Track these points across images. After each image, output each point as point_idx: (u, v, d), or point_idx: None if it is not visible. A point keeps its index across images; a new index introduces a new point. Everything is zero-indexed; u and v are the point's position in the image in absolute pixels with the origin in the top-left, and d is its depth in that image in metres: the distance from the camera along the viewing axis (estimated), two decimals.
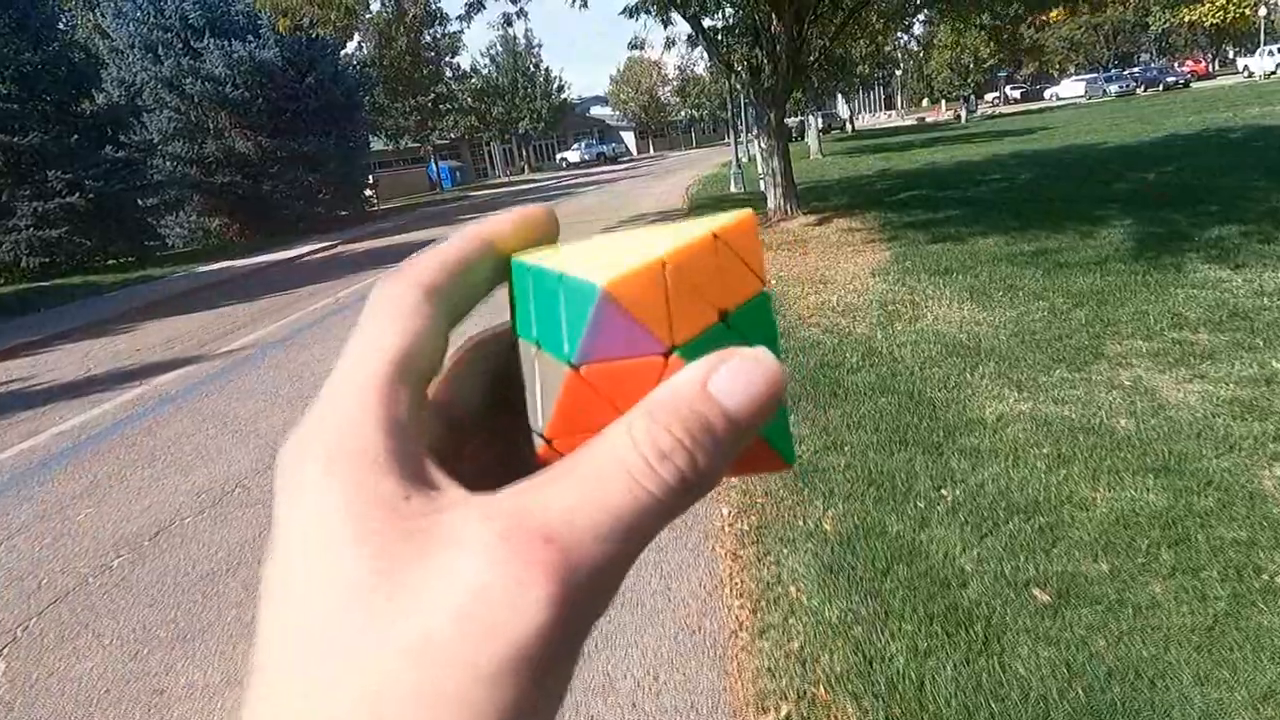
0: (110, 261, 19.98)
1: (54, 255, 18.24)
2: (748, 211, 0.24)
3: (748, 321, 0.23)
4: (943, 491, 3.11)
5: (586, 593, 0.18)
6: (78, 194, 17.75)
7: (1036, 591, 2.43)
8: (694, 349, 0.21)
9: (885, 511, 2.99)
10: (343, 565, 0.18)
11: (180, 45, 22.07)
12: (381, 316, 0.22)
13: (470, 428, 0.25)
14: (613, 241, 0.24)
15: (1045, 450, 3.39)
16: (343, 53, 29.39)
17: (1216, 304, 5.30)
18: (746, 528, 3.09)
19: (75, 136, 18.11)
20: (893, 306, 6.17)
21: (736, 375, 0.20)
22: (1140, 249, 7.23)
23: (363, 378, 0.21)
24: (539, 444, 0.23)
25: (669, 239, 0.22)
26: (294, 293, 11.90)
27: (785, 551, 2.85)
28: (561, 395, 0.21)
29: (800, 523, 3.03)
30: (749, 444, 0.21)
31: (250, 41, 22.30)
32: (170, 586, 3.29)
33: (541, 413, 0.22)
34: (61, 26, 20.90)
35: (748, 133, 23.74)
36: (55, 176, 17.65)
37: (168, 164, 21.99)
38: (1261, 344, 4.48)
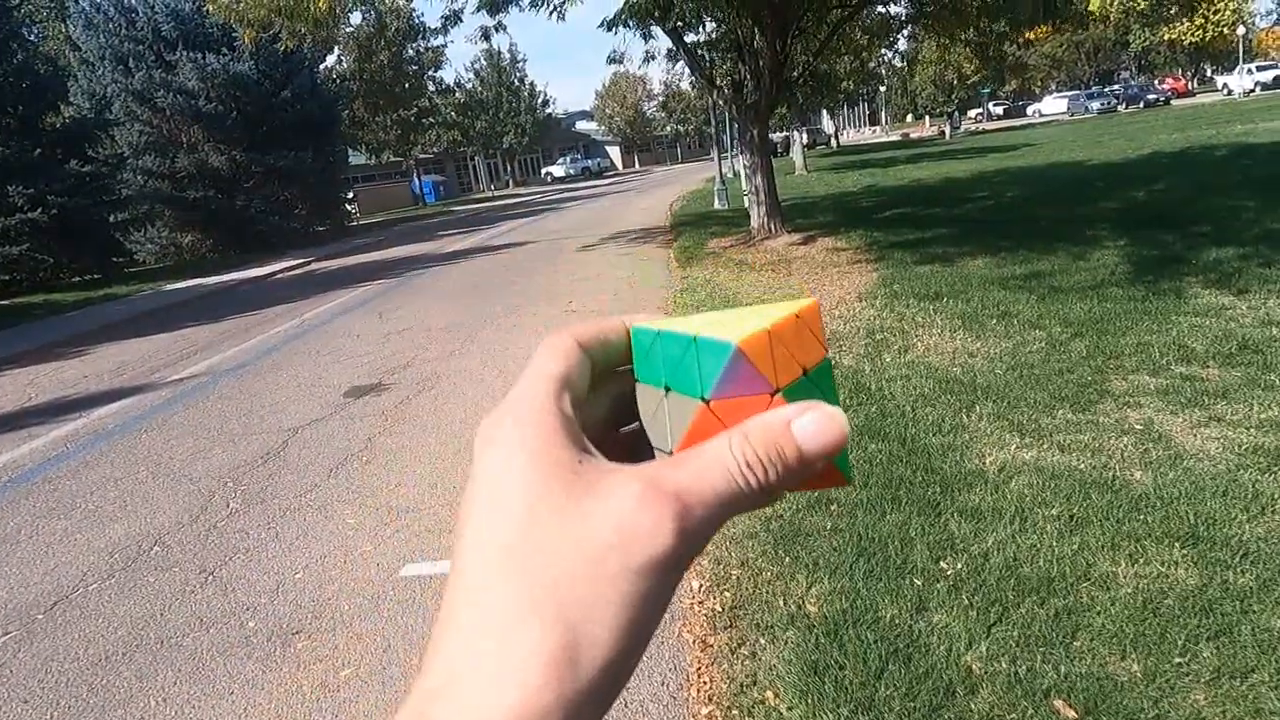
0: (75, 279, 19.41)
1: (14, 272, 17.65)
2: (814, 300, 0.31)
3: (820, 377, 0.30)
4: (943, 564, 2.73)
5: (694, 533, 0.26)
6: (40, 209, 17.18)
7: (1059, 704, 2.04)
8: (789, 393, 0.29)
9: (877, 590, 2.60)
10: (533, 492, 0.27)
11: (152, 57, 21.56)
12: (550, 353, 0.31)
13: (592, 437, 0.32)
14: (717, 316, 0.32)
15: (1055, 511, 3.01)
16: (321, 66, 29.00)
17: (1223, 335, 4.97)
18: (719, 607, 2.69)
19: (39, 151, 17.57)
20: (881, 335, 5.81)
21: (814, 422, 0.28)
22: (1136, 272, 6.93)
23: (541, 383, 0.30)
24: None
25: (764, 316, 0.30)
26: (261, 313, 11.43)
27: (763, 641, 2.45)
28: (693, 422, 0.29)
29: (780, 602, 2.64)
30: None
31: (224, 54, 21.82)
32: (54, 676, 2.84)
33: (672, 437, 0.31)
34: (31, 38, 20.42)
35: (732, 149, 23.49)
36: (17, 191, 17.08)
37: (138, 178, 21.41)
38: (1277, 380, 4.14)
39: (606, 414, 0.35)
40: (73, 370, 8.86)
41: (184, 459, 5.12)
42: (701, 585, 2.85)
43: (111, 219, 19.82)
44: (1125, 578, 2.55)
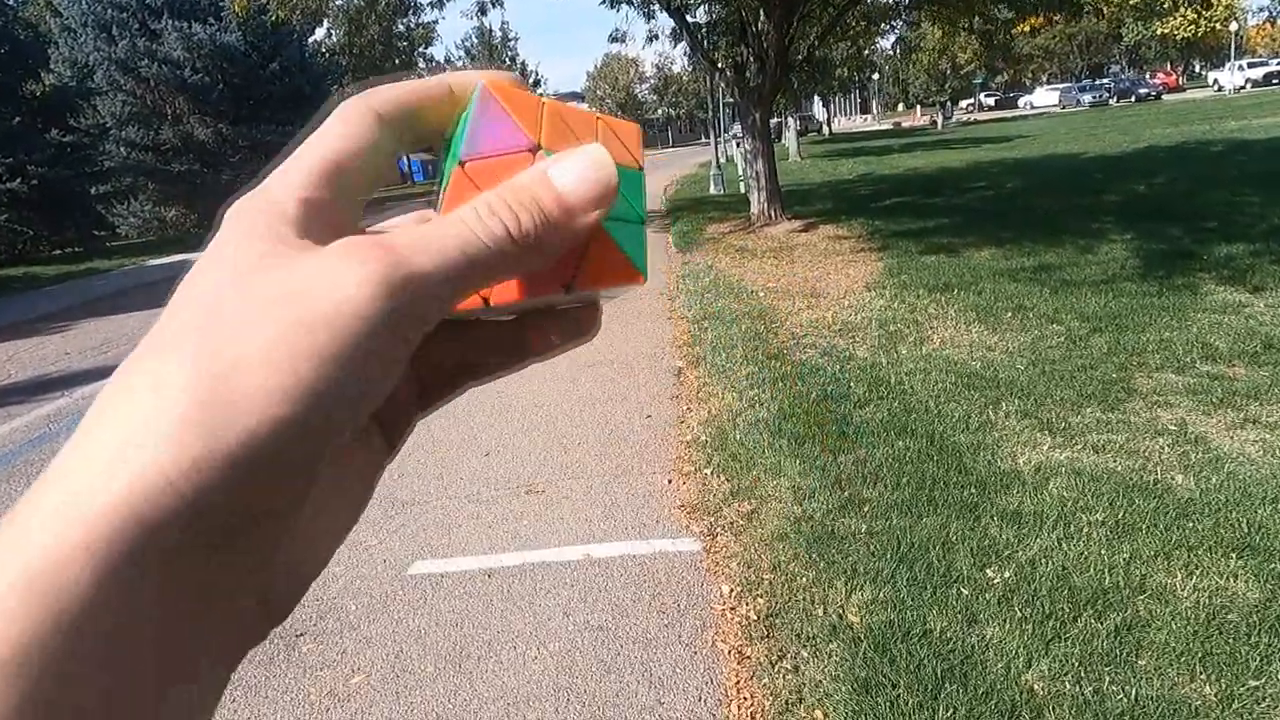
0: (56, 252, 18.97)
1: None
2: (636, 125, 0.28)
3: (624, 180, 0.25)
4: (989, 572, 2.59)
5: (411, 289, 0.21)
6: (19, 179, 16.72)
7: None
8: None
9: (923, 600, 2.46)
10: (231, 259, 0.22)
11: (136, 25, 20.99)
12: (333, 125, 0.25)
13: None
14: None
15: (1100, 516, 2.88)
16: (310, 40, 28.43)
17: (1245, 332, 4.87)
18: (753, 614, 2.54)
19: (18, 119, 17.07)
20: (894, 327, 5.67)
21: (572, 162, 0.24)
22: (1147, 267, 6.83)
23: (301, 165, 0.24)
24: None
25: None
26: None
27: (805, 654, 2.31)
28: (449, 188, 0.25)
29: (819, 611, 2.49)
30: (596, 243, 0.26)
31: (211, 24, 21.29)
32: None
33: (439, 203, 0.26)
34: (10, 2, 19.83)
35: (728, 133, 23.24)
36: None
37: (121, 150, 20.89)
38: None
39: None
40: (54, 346, 8.57)
41: None
42: (732, 590, 2.70)
43: (93, 191, 19.35)
44: (1183, 590, 2.42)
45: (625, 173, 0.26)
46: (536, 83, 52.44)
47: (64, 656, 0.17)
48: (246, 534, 0.21)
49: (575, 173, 0.24)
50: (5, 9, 18.17)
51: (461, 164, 0.25)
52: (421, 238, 0.22)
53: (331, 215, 0.24)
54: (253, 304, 0.21)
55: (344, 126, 0.25)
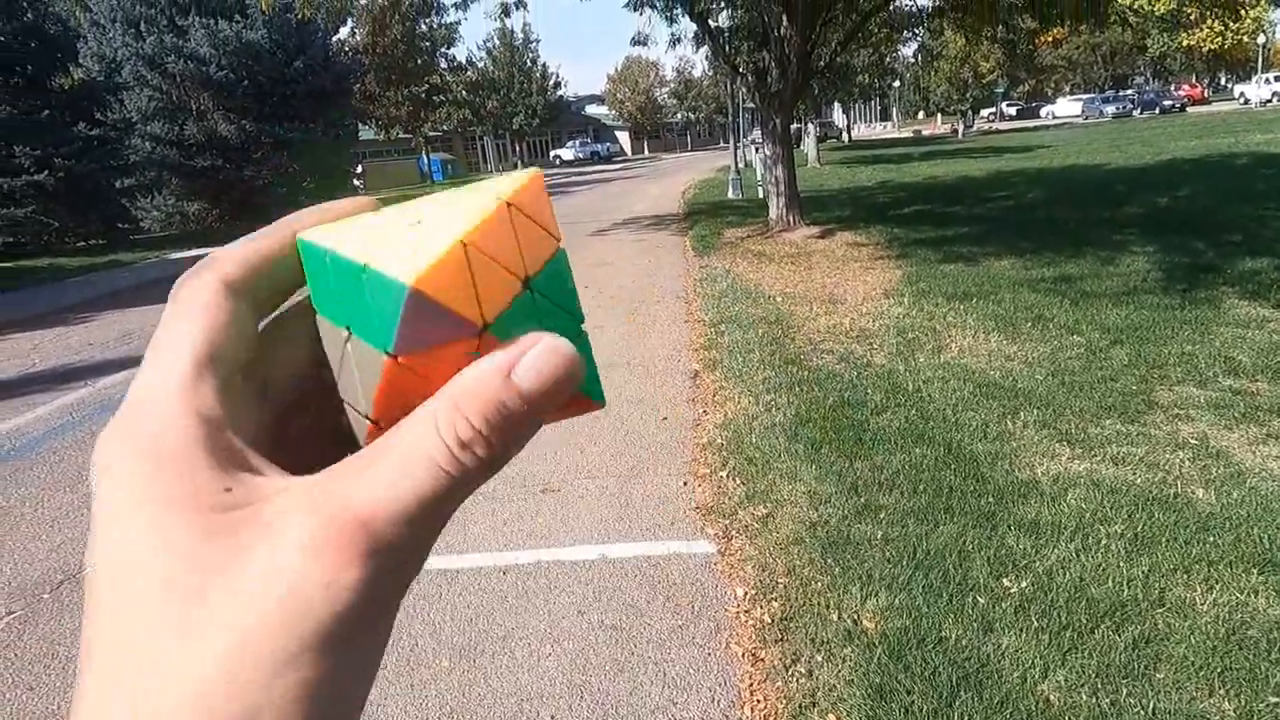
0: (80, 244, 19.20)
1: (18, 235, 17.44)
2: (534, 170, 0.25)
3: (550, 283, 0.24)
4: (1005, 582, 2.58)
5: (393, 569, 0.20)
6: (46, 171, 16.95)
7: None
8: (504, 323, 0.22)
9: (939, 608, 2.45)
10: (157, 569, 0.19)
11: (164, 22, 21.23)
12: (183, 314, 0.23)
13: (294, 405, 0.26)
14: (400, 215, 0.24)
15: (1118, 528, 2.86)
16: (334, 38, 28.65)
17: (1269, 347, 4.82)
18: (768, 618, 2.54)
19: (46, 112, 17.31)
20: (912, 334, 5.65)
21: (535, 363, 0.21)
22: (1169, 280, 6.77)
23: (169, 374, 0.22)
24: (364, 425, 0.23)
25: (460, 212, 0.22)
26: None
27: (819, 658, 2.30)
28: (382, 381, 0.22)
29: (834, 616, 2.49)
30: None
31: (237, 21, 21.50)
32: (60, 662, 2.70)
33: (364, 396, 0.23)
34: None
35: (747, 138, 23.23)
36: (23, 152, 16.84)
37: (146, 144, 21.11)
38: None
39: (307, 367, 0.26)
40: (77, 337, 8.69)
41: None
42: (747, 593, 2.71)
43: (118, 184, 19.56)
44: (1203, 605, 2.40)
45: (545, 271, 0.24)
46: (557, 85, 52.60)
47: None
48: None
49: (537, 370, 0.21)
50: (36, 3, 18.41)
51: (393, 357, 0.22)
52: (392, 492, 0.20)
53: (226, 419, 0.22)
54: (242, 651, 0.18)
55: (193, 311, 0.23)
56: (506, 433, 0.21)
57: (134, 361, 7.40)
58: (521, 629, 2.66)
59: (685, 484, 3.68)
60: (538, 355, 0.21)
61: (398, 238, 0.22)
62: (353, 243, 0.23)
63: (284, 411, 0.26)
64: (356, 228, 0.24)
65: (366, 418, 0.23)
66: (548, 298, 0.24)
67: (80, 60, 19.51)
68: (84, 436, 5.11)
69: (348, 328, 0.23)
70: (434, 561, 3.18)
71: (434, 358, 0.22)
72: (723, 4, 10.66)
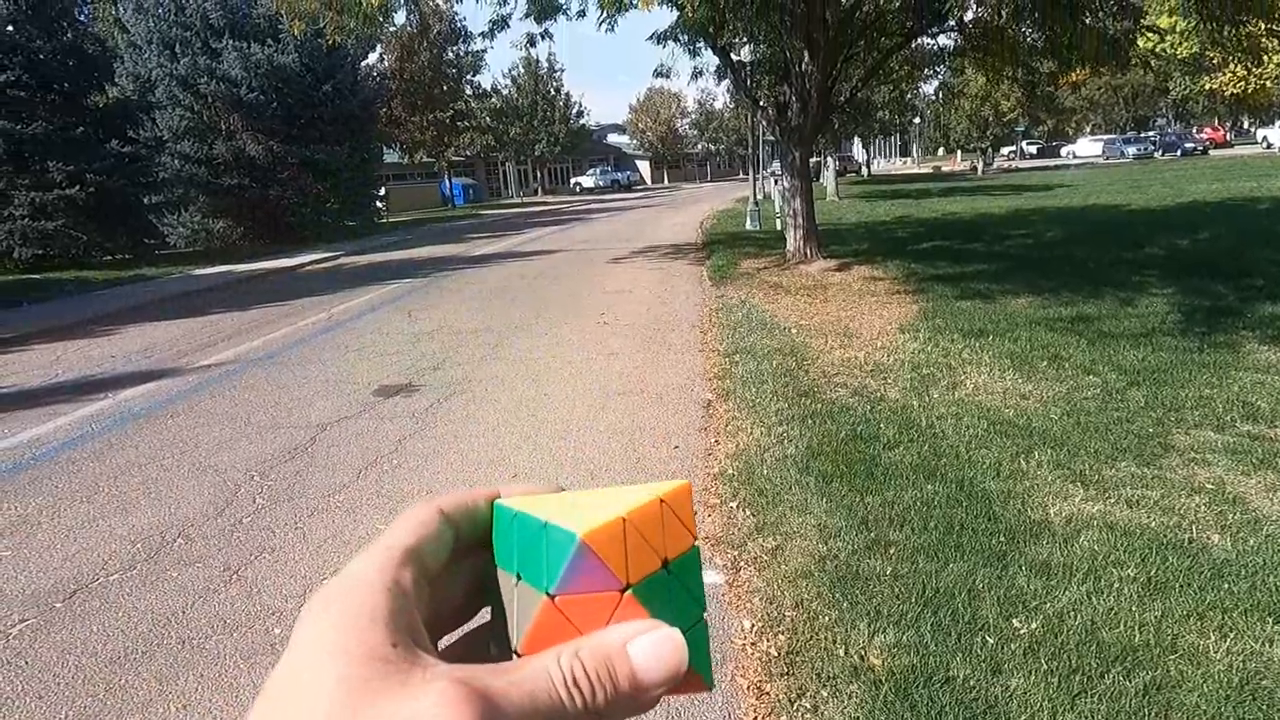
0: (106, 258, 19.52)
1: (48, 247, 17.76)
2: (686, 482, 0.31)
3: (683, 570, 0.29)
4: (1015, 623, 2.56)
5: None
6: (78, 186, 17.29)
7: None
8: (642, 589, 0.27)
9: (947, 647, 2.43)
10: (333, 687, 0.24)
11: (199, 44, 21.72)
12: (404, 523, 0.30)
13: (448, 619, 0.33)
14: (581, 497, 0.31)
15: (1131, 572, 2.84)
16: (363, 64, 29.18)
17: None
18: (774, 651, 2.53)
19: (81, 129, 17.71)
20: (927, 370, 5.64)
21: (653, 646, 0.27)
22: (1188, 322, 6.73)
23: (379, 557, 0.28)
24: (511, 658, 0.29)
25: (626, 499, 0.29)
26: (290, 304, 11.39)
27: (824, 694, 2.29)
28: (537, 618, 0.28)
29: (841, 651, 2.47)
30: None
31: (269, 45, 21.98)
32: (71, 671, 2.72)
33: (517, 632, 0.29)
34: (81, 18, 20.66)
35: (766, 170, 23.37)
36: (56, 167, 17.20)
37: (175, 162, 21.50)
38: None
39: (468, 589, 0.33)
40: (100, 349, 8.82)
41: (210, 448, 5.02)
42: (754, 625, 2.70)
43: (146, 201, 19.92)
44: (1216, 653, 2.37)
45: (681, 560, 0.30)
46: (580, 113, 53.24)
47: None
48: None
49: (651, 653, 0.27)
50: (76, 24, 18.93)
51: (551, 597, 0.27)
52: (511, 689, 0.25)
53: (412, 600, 0.28)
54: None
55: (411, 524, 0.30)
56: (608, 692, 0.26)
57: (155, 375, 7.55)
58: None
59: (695, 514, 3.67)
60: (656, 639, 0.27)
61: (573, 510, 0.29)
62: (537, 510, 0.30)
63: (441, 621, 0.32)
64: (541, 502, 0.31)
65: (515, 653, 0.28)
66: (680, 581, 0.29)
67: (116, 79, 19.99)
68: (102, 448, 5.17)
69: (518, 574, 0.30)
70: None
71: (581, 605, 0.27)
72: (745, 39, 10.81)
